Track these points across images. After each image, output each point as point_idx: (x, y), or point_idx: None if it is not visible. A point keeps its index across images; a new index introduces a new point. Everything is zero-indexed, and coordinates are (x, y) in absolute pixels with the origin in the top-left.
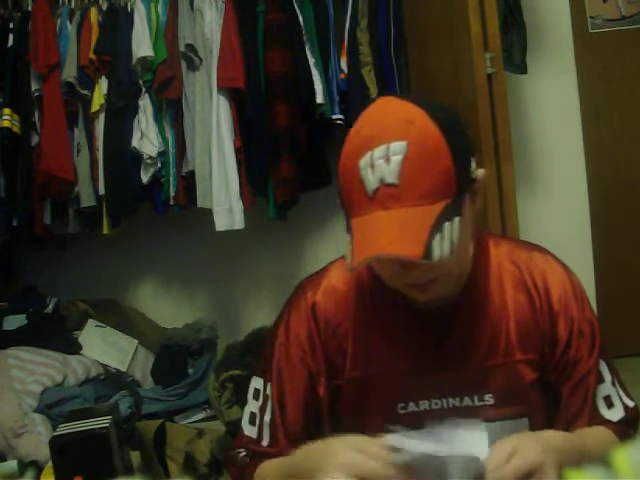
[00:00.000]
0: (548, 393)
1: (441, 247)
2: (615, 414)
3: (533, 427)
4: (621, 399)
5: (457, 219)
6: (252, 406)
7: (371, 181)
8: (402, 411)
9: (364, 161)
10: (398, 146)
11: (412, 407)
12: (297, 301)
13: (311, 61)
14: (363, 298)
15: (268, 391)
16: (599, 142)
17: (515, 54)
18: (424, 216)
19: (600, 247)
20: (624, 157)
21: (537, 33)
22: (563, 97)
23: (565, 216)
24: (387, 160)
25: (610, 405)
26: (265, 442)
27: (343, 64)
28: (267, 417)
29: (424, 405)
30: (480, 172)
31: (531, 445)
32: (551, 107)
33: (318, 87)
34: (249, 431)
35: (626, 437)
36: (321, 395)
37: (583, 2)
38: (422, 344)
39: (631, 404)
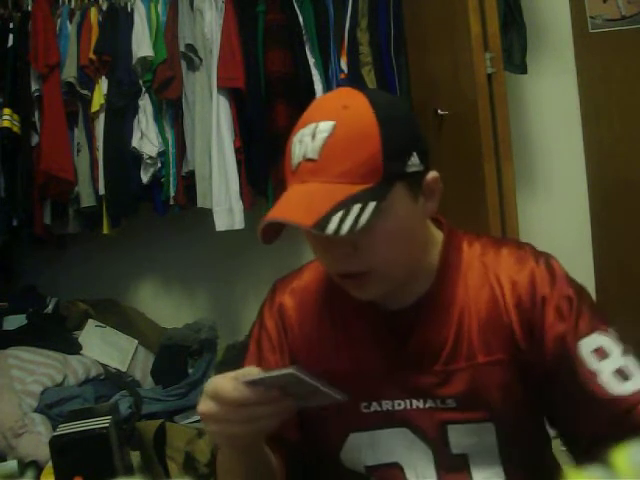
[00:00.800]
0: (539, 392)
1: (340, 224)
2: (634, 384)
3: (501, 432)
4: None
5: (373, 204)
6: None
7: (296, 156)
8: (365, 410)
9: (295, 138)
10: (325, 125)
11: (375, 407)
12: (269, 300)
13: (311, 61)
14: (330, 297)
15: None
16: (599, 142)
17: (515, 54)
18: (335, 192)
19: (600, 247)
20: (624, 157)
21: (537, 33)
22: (563, 97)
23: (565, 216)
24: (313, 137)
25: (626, 377)
26: None
27: (343, 64)
28: None
29: (387, 405)
30: (431, 174)
31: None
32: (551, 107)
33: (318, 87)
34: None
35: None
36: None
37: (583, 2)
38: (385, 345)
39: None
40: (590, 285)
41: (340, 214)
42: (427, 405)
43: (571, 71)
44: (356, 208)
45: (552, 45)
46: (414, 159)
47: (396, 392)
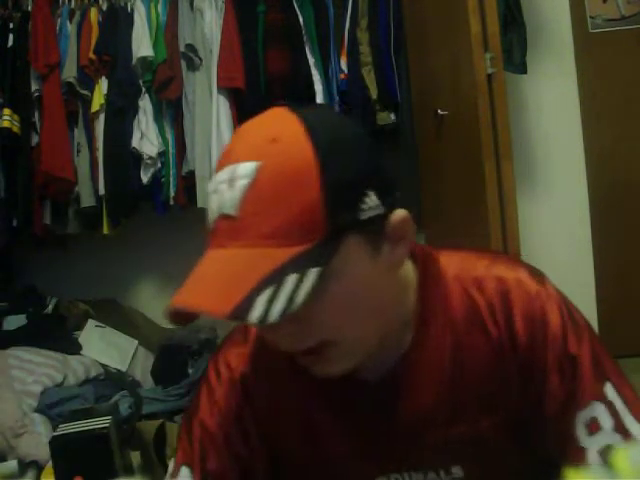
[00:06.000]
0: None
1: (269, 306)
2: None
3: None
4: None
5: (314, 271)
6: None
7: (211, 211)
8: None
9: (210, 185)
10: (247, 168)
11: None
12: (223, 371)
13: (311, 61)
14: (303, 371)
15: (182, 474)
16: (599, 142)
17: (515, 54)
18: (261, 261)
19: (600, 247)
20: (624, 157)
21: (537, 33)
22: (563, 97)
23: (565, 216)
24: (230, 185)
25: None
26: None
27: (343, 64)
28: None
29: None
30: (397, 215)
31: None
32: (551, 107)
33: (318, 87)
34: None
35: None
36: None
37: (583, 2)
38: (372, 419)
39: None
40: (590, 286)
41: (268, 293)
42: (428, 478)
43: (571, 71)
44: (291, 280)
45: (552, 45)
46: (371, 200)
47: (391, 469)
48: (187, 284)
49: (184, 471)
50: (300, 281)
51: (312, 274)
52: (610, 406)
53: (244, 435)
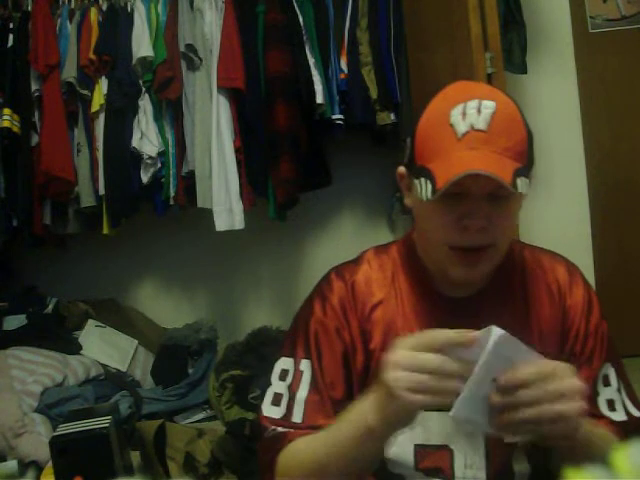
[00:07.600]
0: None
1: (523, 184)
2: (616, 416)
3: None
4: (625, 407)
5: (528, 179)
6: (277, 387)
7: (461, 125)
8: None
9: (457, 109)
10: (489, 103)
11: None
12: (335, 281)
13: (311, 61)
14: (399, 287)
15: (302, 367)
16: (599, 142)
17: (515, 54)
18: (509, 161)
19: (600, 246)
20: (624, 157)
21: (537, 33)
22: (563, 97)
23: (565, 215)
24: (478, 111)
25: (612, 409)
26: (297, 418)
27: (343, 64)
28: (302, 393)
29: None
30: (534, 174)
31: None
32: (551, 107)
33: (318, 87)
34: (272, 412)
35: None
36: (359, 367)
37: (583, 2)
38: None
39: (637, 414)
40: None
41: (521, 179)
42: None
43: (571, 71)
44: (524, 178)
45: (552, 45)
46: (531, 152)
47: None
48: (454, 165)
49: (305, 363)
50: (524, 181)
51: (527, 180)
52: (617, 373)
53: (349, 324)
